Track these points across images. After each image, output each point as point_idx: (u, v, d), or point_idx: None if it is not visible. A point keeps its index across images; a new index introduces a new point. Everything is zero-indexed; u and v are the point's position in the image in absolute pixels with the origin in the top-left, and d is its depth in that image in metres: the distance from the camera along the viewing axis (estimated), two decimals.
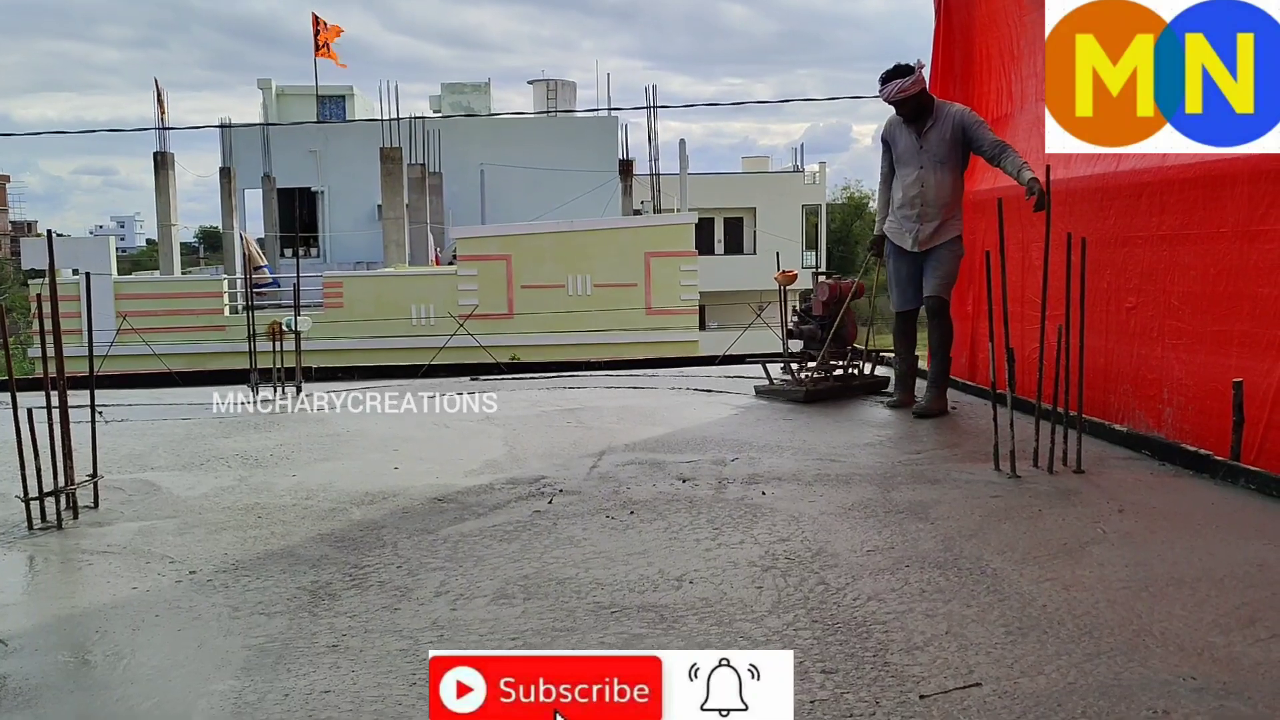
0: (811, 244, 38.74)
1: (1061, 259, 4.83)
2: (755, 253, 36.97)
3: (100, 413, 4.98)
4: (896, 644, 2.74)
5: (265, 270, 25.36)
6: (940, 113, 6.23)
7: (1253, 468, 4.36)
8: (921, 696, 2.42)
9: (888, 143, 6.48)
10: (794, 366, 7.17)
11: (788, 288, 9.19)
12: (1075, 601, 3.02)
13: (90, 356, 4.66)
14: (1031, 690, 2.44)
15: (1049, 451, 4.72)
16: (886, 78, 6.14)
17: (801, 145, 63.72)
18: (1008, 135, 7.10)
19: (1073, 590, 3.12)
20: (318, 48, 29.35)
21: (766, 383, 7.18)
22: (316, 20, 29.66)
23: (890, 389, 6.98)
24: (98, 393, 4.81)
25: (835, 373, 7.18)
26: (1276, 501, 4.10)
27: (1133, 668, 2.56)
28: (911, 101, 6.16)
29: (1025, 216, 6.17)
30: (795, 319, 7.61)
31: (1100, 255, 5.43)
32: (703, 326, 25.67)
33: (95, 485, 4.48)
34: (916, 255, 6.35)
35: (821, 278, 7.50)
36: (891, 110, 6.34)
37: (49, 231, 4.09)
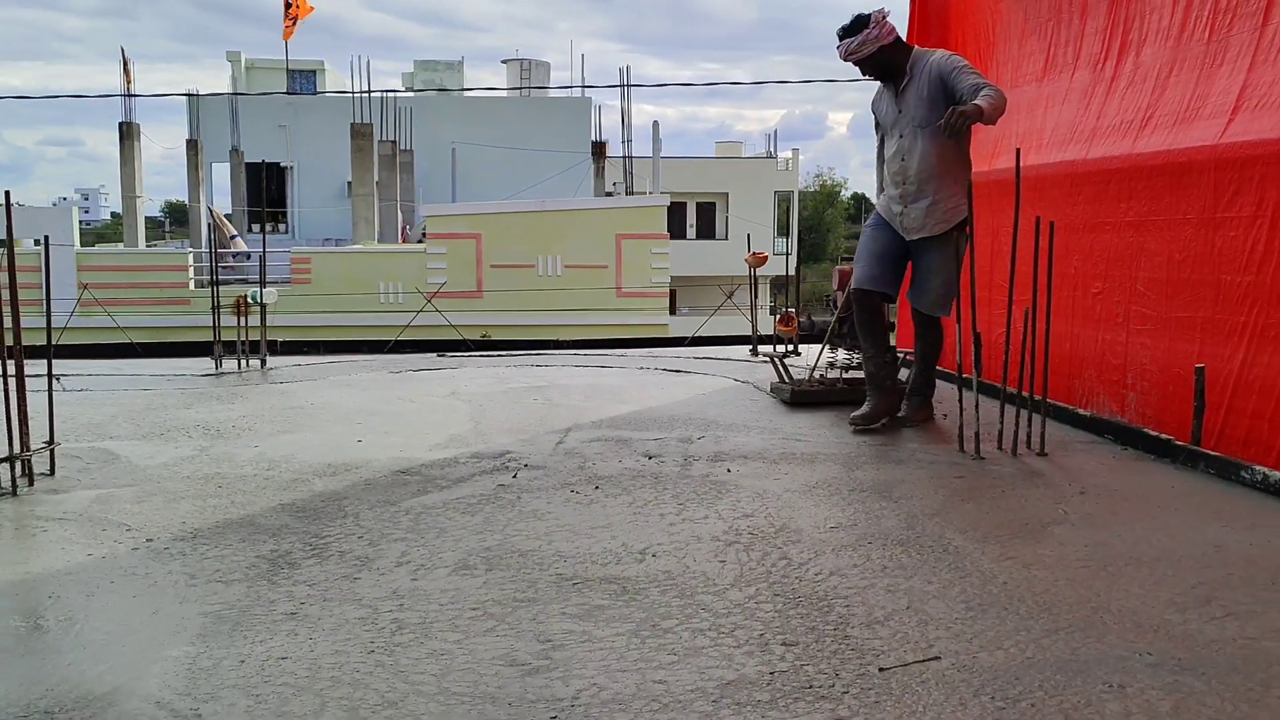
0: (784, 230, 38.82)
1: (1030, 244, 4.85)
2: (727, 238, 37.00)
3: (58, 379, 4.91)
4: (857, 618, 2.74)
5: (238, 239, 25.10)
6: (917, 66, 5.12)
7: (1212, 452, 4.40)
8: (881, 669, 2.42)
9: (876, 115, 5.50)
10: (784, 364, 6.53)
11: (758, 270, 9.22)
12: (1035, 579, 3.04)
13: (49, 325, 4.59)
14: (990, 664, 2.45)
15: (1013, 434, 4.75)
16: (843, 33, 5.15)
17: (775, 132, 63.79)
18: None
19: (1033, 568, 3.14)
20: (289, 21, 29.00)
21: (778, 383, 6.37)
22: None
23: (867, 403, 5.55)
24: (57, 363, 4.73)
25: (849, 374, 6.38)
26: (1235, 485, 4.14)
27: (1090, 644, 2.57)
28: (874, 60, 5.15)
29: (996, 202, 6.19)
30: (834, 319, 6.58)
31: (1069, 241, 5.46)
32: (673, 310, 25.69)
33: (52, 453, 4.41)
34: (900, 237, 5.35)
35: (841, 264, 6.70)
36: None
37: (5, 194, 4.00)
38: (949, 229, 5.14)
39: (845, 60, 5.14)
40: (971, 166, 5.26)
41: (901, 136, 5.19)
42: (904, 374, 5.90)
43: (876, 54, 5.08)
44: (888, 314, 5.50)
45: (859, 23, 5.09)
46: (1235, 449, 4.43)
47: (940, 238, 5.17)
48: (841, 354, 6.55)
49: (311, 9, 29.85)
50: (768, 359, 6.57)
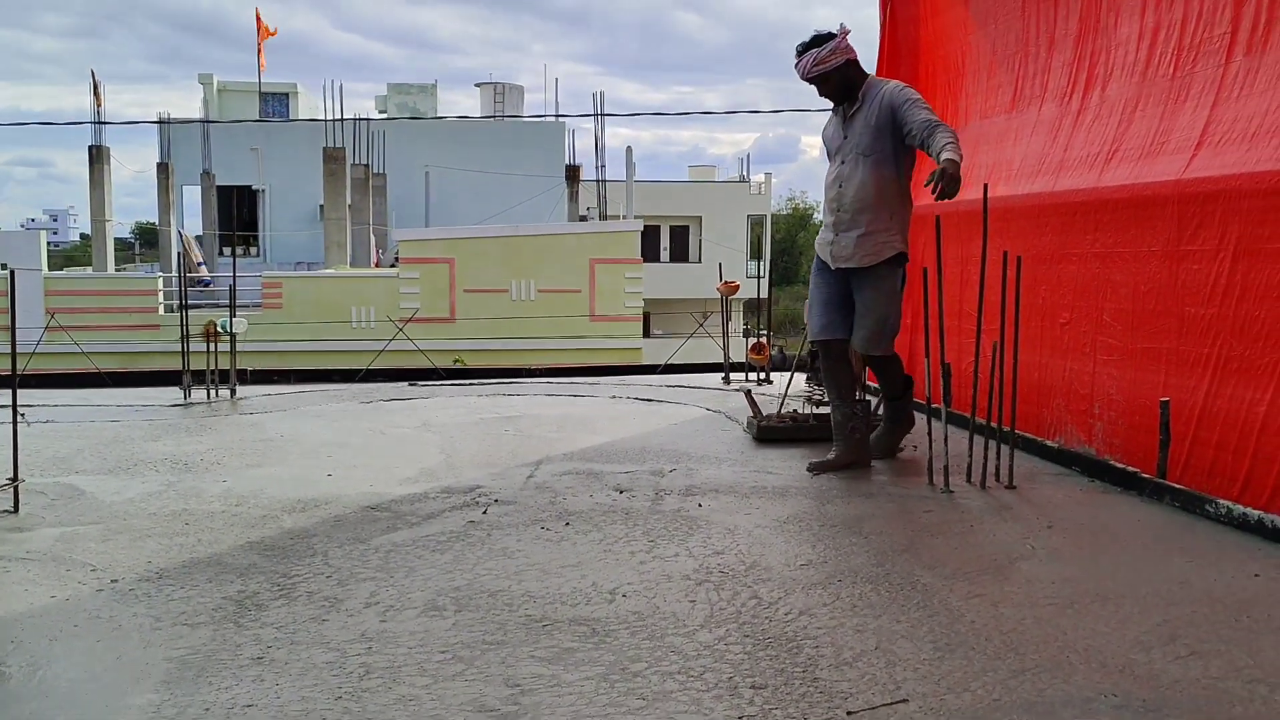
0: (756, 254, 38.98)
1: (998, 275, 4.90)
2: (700, 261, 37.16)
3: (23, 414, 4.85)
4: (826, 659, 2.75)
5: (203, 267, 24.97)
6: (870, 93, 4.95)
7: (1177, 485, 4.45)
8: (849, 714, 2.42)
9: (824, 141, 5.34)
10: (754, 398, 6.24)
11: (730, 298, 9.25)
12: (1003, 618, 3.06)
13: (13, 354, 4.54)
14: (957, 707, 2.46)
15: (982, 467, 4.78)
16: (802, 49, 4.97)
17: (748, 155, 64.22)
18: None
19: (1000, 606, 3.16)
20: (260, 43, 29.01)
21: (750, 419, 6.08)
22: (260, 18, 29.28)
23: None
24: (22, 393, 4.69)
25: (821, 409, 6.04)
26: (1200, 519, 4.19)
27: (1056, 684, 2.59)
28: (831, 79, 4.95)
29: (965, 232, 6.25)
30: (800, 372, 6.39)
31: (1036, 271, 5.52)
32: (647, 333, 25.71)
33: (15, 489, 4.36)
34: (841, 275, 5.09)
35: None
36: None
37: None
38: (878, 263, 4.93)
39: (807, 77, 4.92)
40: (912, 203, 5.13)
41: (844, 163, 4.99)
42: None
43: (842, 67, 4.89)
44: (848, 362, 5.21)
45: (821, 37, 4.92)
46: (1201, 479, 4.48)
47: (874, 274, 4.95)
48: (816, 387, 6.34)
49: (271, 32, 29.86)
50: (740, 389, 6.35)
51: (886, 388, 5.31)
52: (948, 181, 4.38)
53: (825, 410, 5.75)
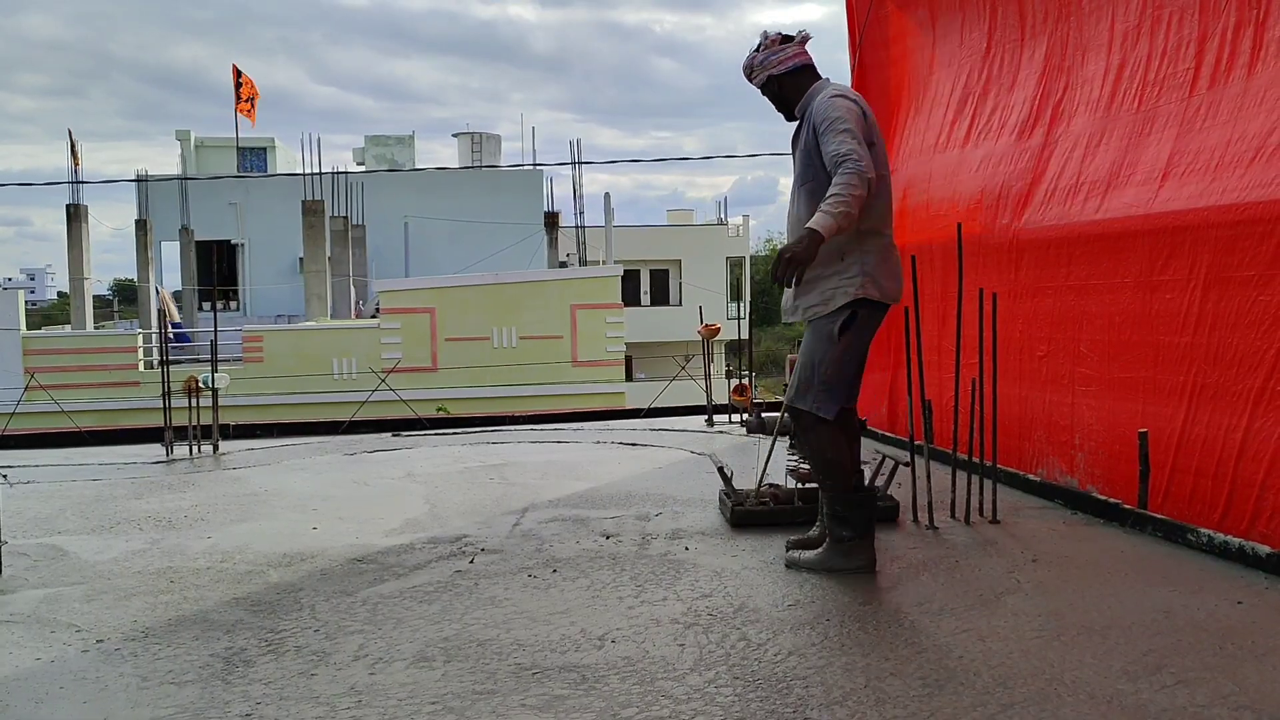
0: (736, 295, 39.17)
1: (975, 309, 4.96)
2: (681, 304, 37.29)
3: (4, 475, 4.84)
4: (816, 699, 2.75)
5: (171, 328, 24.89)
6: (806, 108, 4.06)
7: (1159, 515, 4.48)
8: None
9: None
10: (727, 474, 5.15)
11: (712, 340, 9.30)
12: (991, 652, 3.07)
13: None
14: None
15: (965, 503, 4.81)
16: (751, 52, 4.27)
17: (725, 198, 64.60)
18: (927, 189, 7.31)
19: (988, 641, 3.17)
20: (239, 100, 29.15)
21: (721, 494, 5.21)
22: (238, 73, 29.45)
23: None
24: (2, 454, 4.66)
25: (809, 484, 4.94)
26: (1181, 548, 4.22)
27: (1045, 717, 2.60)
28: (767, 93, 4.23)
29: (942, 269, 6.33)
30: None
31: (1013, 306, 5.60)
32: (630, 377, 25.74)
33: None
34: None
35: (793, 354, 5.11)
36: None
37: None
38: (826, 313, 3.95)
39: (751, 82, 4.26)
40: (875, 239, 4.00)
41: (791, 197, 4.16)
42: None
43: (769, 84, 4.16)
44: (852, 433, 4.22)
45: (768, 41, 4.19)
46: (1181, 506, 4.52)
47: (816, 320, 4.00)
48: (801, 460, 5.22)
49: (256, 91, 30.04)
50: (714, 462, 5.43)
51: (816, 474, 4.14)
52: (778, 265, 3.71)
53: (812, 485, 4.82)
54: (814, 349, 4.00)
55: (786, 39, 4.15)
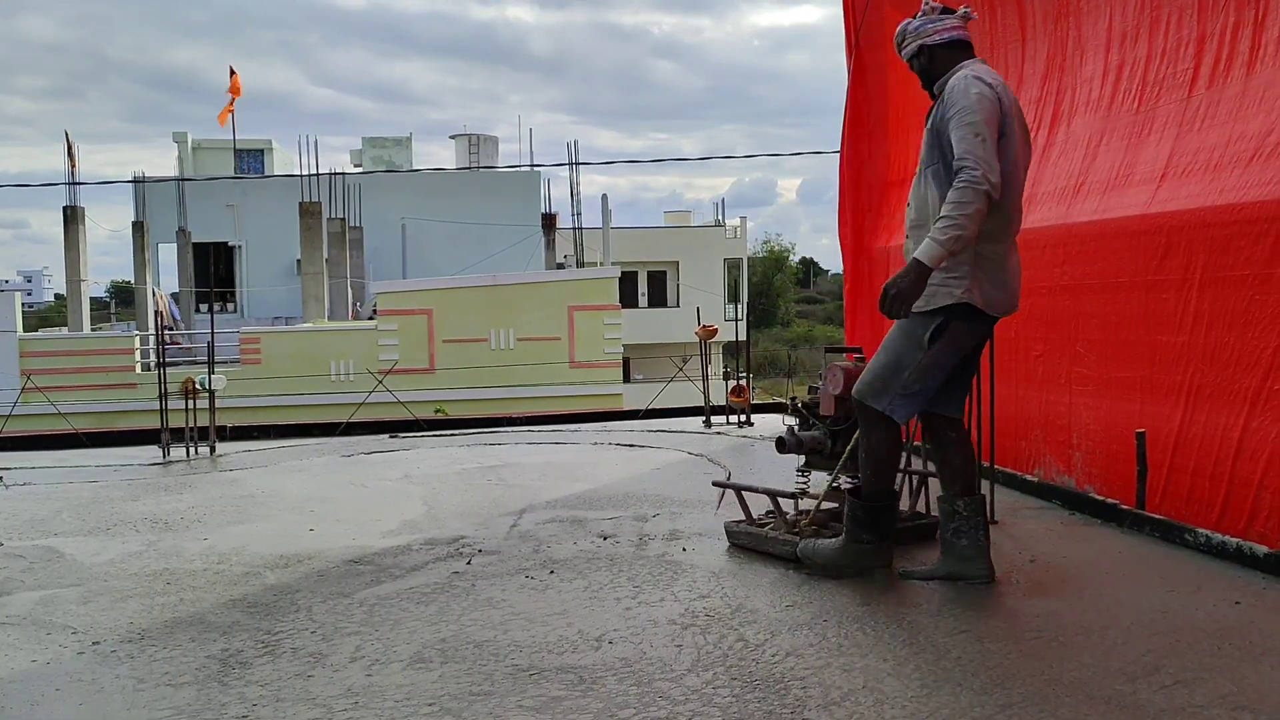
0: (734, 297, 39.20)
1: None
2: (679, 305, 37.27)
3: (0, 477, 4.84)
4: (814, 700, 2.75)
5: (167, 333, 24.86)
6: (946, 86, 3.77)
7: (1156, 515, 4.48)
8: None
9: None
10: (781, 502, 4.46)
11: (709, 341, 9.30)
12: (989, 652, 3.07)
13: None
14: None
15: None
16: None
17: (723, 200, 64.45)
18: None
19: (986, 641, 3.17)
20: (230, 107, 29.35)
21: (743, 522, 4.50)
22: (233, 74, 29.47)
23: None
24: (0, 456, 4.66)
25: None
26: (1179, 548, 4.22)
27: (1043, 718, 2.60)
28: (912, 66, 3.97)
29: None
30: (793, 419, 4.80)
31: None
32: (628, 378, 25.73)
33: None
34: None
35: (837, 360, 4.65)
36: None
37: None
38: (923, 311, 3.69)
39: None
40: (991, 244, 3.71)
41: (916, 175, 3.91)
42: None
43: (917, 55, 3.90)
44: (958, 440, 3.96)
45: (928, 9, 3.92)
46: (1179, 506, 4.52)
47: (911, 316, 3.70)
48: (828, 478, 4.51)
49: (237, 92, 30.16)
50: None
51: (863, 459, 3.93)
52: (885, 302, 3.56)
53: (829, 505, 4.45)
54: (901, 350, 3.77)
55: (947, 10, 3.88)
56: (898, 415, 3.80)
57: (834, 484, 4.34)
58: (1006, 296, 3.81)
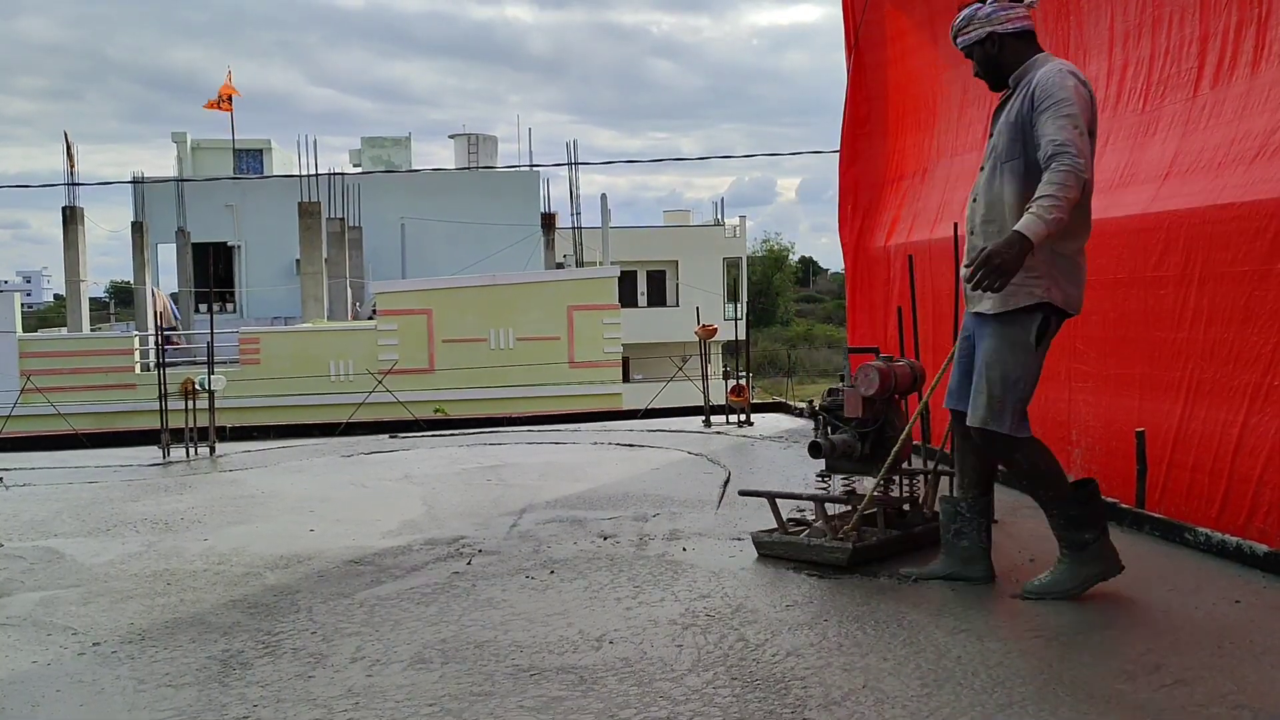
0: (733, 296, 39.19)
1: None
2: (678, 305, 37.25)
3: (0, 478, 4.84)
4: (815, 699, 2.75)
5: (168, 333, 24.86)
6: (1022, 78, 3.67)
7: (1156, 514, 4.48)
8: None
9: None
10: (827, 508, 4.25)
11: (708, 340, 9.30)
12: (988, 652, 3.07)
13: None
14: None
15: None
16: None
17: (722, 199, 64.53)
18: (926, 188, 7.31)
19: (986, 640, 3.17)
20: (221, 100, 29.41)
21: (774, 532, 4.34)
22: (230, 77, 29.54)
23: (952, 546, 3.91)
24: (0, 458, 4.66)
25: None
26: (1179, 547, 4.21)
27: (1044, 717, 2.60)
28: (973, 54, 3.81)
29: (939, 266, 6.33)
30: (817, 422, 4.59)
31: None
32: (627, 378, 25.72)
33: None
34: (972, 321, 3.83)
35: (866, 362, 4.44)
36: None
37: None
38: (1014, 310, 3.60)
39: (955, 40, 3.87)
40: (1070, 242, 3.61)
41: (983, 169, 3.79)
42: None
43: (984, 42, 3.73)
44: (978, 444, 3.84)
45: None
46: (1179, 502, 4.52)
47: (1002, 321, 3.63)
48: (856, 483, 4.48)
49: (231, 92, 30.35)
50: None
51: (1024, 485, 3.87)
52: (983, 268, 3.34)
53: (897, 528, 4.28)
54: (1006, 359, 3.61)
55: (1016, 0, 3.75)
56: (1021, 431, 3.63)
57: (878, 487, 4.21)
58: (1080, 296, 3.70)
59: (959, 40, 3.81)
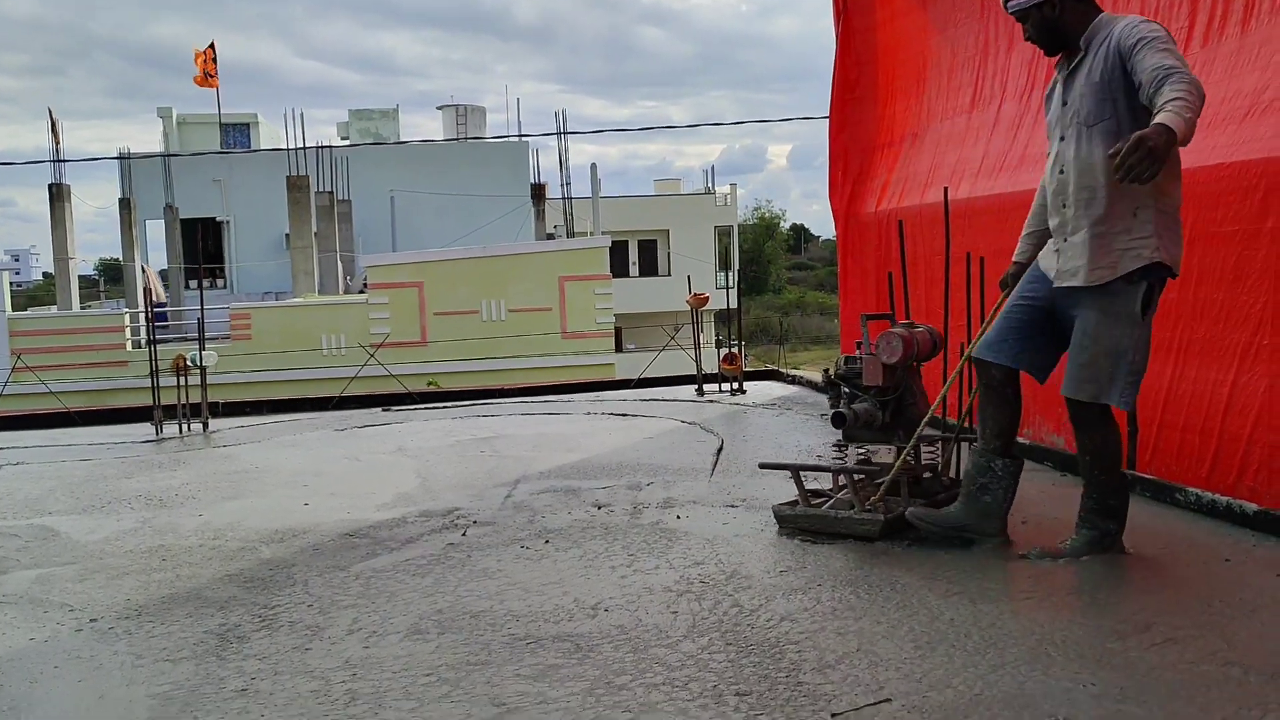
0: (725, 265, 39.12)
1: (963, 273, 4.96)
2: (670, 274, 37.21)
3: None
4: (809, 663, 2.77)
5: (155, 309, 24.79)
6: (1095, 38, 3.52)
7: (1147, 475, 4.50)
8: (834, 715, 2.45)
9: (1047, 116, 3.79)
10: (852, 477, 4.15)
11: (700, 310, 9.29)
12: (981, 614, 3.09)
13: None
14: (940, 703, 2.48)
15: (955, 466, 4.81)
16: None
17: (713, 167, 64.39)
18: (917, 152, 7.29)
19: (979, 603, 3.19)
20: (207, 76, 29.19)
21: (795, 504, 4.22)
22: (213, 48, 29.31)
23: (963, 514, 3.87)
24: None
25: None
26: (1169, 507, 4.25)
27: (1035, 676, 2.62)
28: (1030, 19, 3.63)
29: (930, 231, 6.32)
30: (833, 391, 4.47)
31: (1001, 266, 5.58)
32: (620, 348, 25.72)
33: None
34: (1058, 295, 3.66)
35: (887, 329, 4.32)
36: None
37: None
38: (1116, 278, 3.46)
39: (1006, 9, 3.71)
40: (1169, 199, 3.48)
41: (1063, 139, 3.60)
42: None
43: (1041, 5, 3.57)
44: (1012, 400, 3.84)
45: None
46: (1169, 462, 4.54)
47: (1100, 293, 3.50)
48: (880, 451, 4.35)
49: (211, 63, 30.10)
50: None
51: (1090, 461, 3.68)
52: (1134, 153, 2.99)
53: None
54: (1115, 334, 3.49)
55: None
56: (1127, 403, 3.57)
57: (907, 454, 4.10)
58: (1181, 252, 3.54)
59: (1011, 5, 3.65)
